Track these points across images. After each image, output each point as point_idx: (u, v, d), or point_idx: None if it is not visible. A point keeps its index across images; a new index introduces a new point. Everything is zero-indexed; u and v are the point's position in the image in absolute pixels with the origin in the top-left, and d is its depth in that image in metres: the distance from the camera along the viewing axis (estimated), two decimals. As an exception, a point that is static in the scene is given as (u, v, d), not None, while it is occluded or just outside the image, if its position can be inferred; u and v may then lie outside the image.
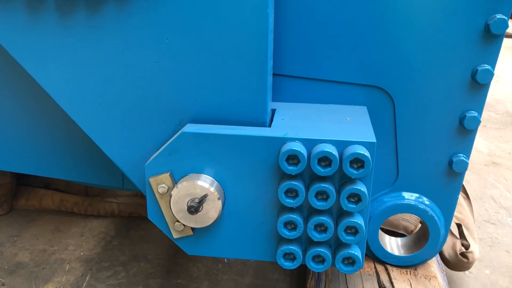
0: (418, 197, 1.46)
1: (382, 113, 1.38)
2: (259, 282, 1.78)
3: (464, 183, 2.83)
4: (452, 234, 1.88)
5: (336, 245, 1.26)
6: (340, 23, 1.30)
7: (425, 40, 1.28)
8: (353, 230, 1.20)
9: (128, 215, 2.13)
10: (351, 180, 1.17)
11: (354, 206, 1.17)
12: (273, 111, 1.35)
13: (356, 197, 1.17)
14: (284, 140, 1.18)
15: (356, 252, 1.23)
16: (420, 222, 1.75)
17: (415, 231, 1.72)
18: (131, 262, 1.85)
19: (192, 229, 1.29)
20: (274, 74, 1.37)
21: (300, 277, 1.79)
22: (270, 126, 1.26)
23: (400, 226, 1.74)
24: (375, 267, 1.52)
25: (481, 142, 3.55)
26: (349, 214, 1.20)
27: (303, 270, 1.70)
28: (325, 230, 1.22)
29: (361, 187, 1.15)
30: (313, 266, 1.26)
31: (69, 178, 1.67)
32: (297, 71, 1.39)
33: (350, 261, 1.25)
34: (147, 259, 1.87)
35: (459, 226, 1.86)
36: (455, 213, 1.91)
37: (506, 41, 7.94)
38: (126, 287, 1.71)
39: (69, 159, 1.60)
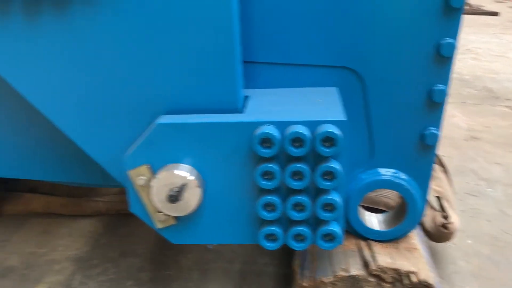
0: (394, 172, 1.50)
1: (353, 93, 1.41)
2: (248, 268, 1.82)
3: (445, 158, 2.90)
4: (433, 207, 1.93)
5: (315, 223, 1.29)
6: (306, 6, 1.33)
7: (389, 17, 1.31)
8: (330, 207, 1.24)
9: (116, 213, 2.14)
10: (324, 159, 1.21)
11: (329, 184, 1.21)
12: (247, 98, 1.38)
13: (330, 175, 1.21)
14: (256, 124, 1.21)
15: (335, 228, 1.27)
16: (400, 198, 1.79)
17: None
18: (121, 258, 1.87)
19: (175, 218, 1.32)
20: (246, 62, 1.39)
21: (288, 259, 1.82)
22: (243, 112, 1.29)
23: (381, 202, 1.78)
24: (358, 244, 1.55)
25: (461, 118, 3.61)
26: (325, 191, 1.24)
27: (291, 252, 1.74)
28: (303, 209, 1.25)
29: (334, 165, 1.19)
30: (294, 245, 1.29)
31: (51, 179, 1.68)
32: (268, 57, 1.41)
33: (330, 237, 1.28)
34: (136, 254, 1.89)
35: (438, 199, 1.91)
36: (435, 187, 1.96)
37: (483, 19, 8.04)
38: (116, 282, 1.73)
39: (50, 159, 1.62)
